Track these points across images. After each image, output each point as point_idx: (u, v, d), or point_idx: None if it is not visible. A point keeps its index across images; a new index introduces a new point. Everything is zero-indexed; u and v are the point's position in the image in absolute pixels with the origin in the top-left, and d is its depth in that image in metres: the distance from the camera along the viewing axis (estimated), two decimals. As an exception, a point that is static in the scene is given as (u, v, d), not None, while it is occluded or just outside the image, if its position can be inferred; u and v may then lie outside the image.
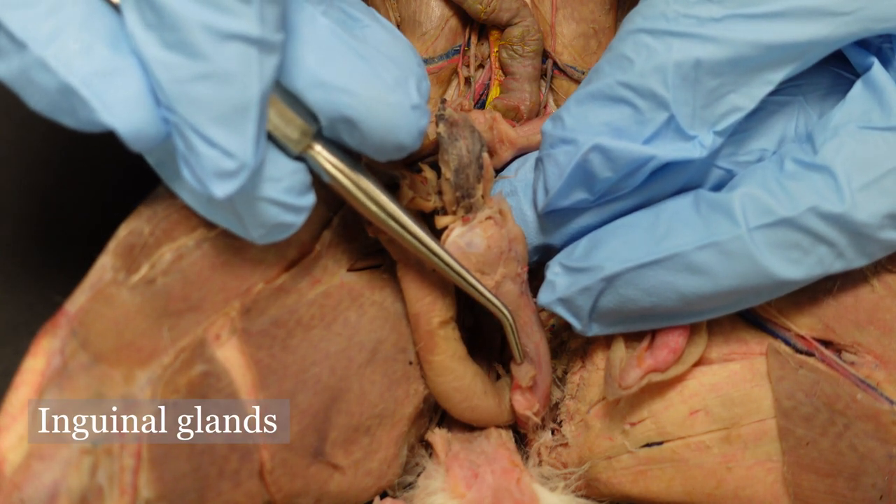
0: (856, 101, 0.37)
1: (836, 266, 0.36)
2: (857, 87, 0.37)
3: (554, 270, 0.39)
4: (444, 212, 0.39)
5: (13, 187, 0.52)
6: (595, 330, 0.39)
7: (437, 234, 0.39)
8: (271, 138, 0.34)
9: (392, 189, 0.38)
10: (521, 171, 0.42)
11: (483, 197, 0.38)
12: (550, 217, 0.40)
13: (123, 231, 0.36)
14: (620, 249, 0.37)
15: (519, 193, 0.41)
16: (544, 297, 0.39)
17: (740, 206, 0.35)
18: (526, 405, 0.41)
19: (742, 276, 0.35)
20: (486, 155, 0.38)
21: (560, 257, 0.39)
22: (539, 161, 0.39)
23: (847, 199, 0.35)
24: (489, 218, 0.38)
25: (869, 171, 0.35)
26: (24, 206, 0.52)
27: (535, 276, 0.41)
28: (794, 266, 0.35)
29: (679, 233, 0.36)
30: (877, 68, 0.37)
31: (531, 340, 0.40)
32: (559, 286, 0.38)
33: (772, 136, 0.38)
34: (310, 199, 0.35)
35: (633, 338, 0.40)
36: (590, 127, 0.37)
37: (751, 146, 0.38)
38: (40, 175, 0.53)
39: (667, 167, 0.37)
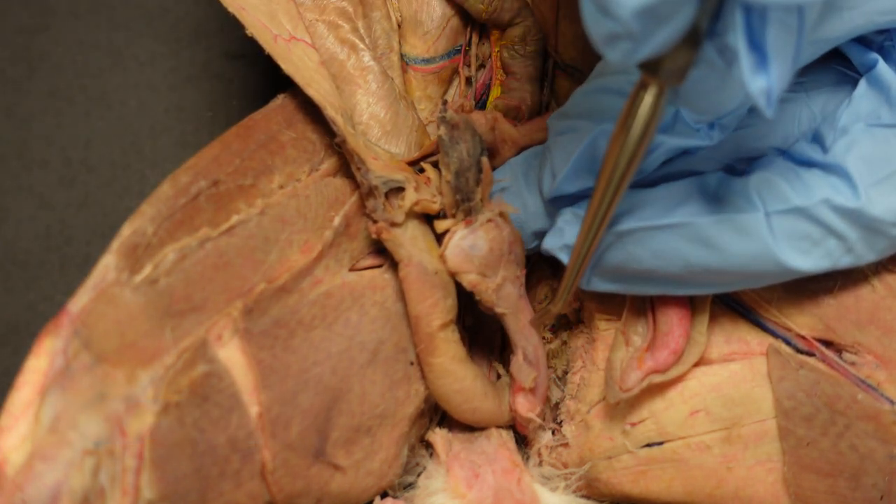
0: (863, 100, 0.37)
1: (844, 261, 0.36)
2: (863, 85, 0.37)
3: (565, 218, 0.38)
4: (444, 215, 0.39)
5: (14, 187, 0.52)
6: (594, 284, 0.39)
7: (437, 237, 0.39)
8: None
9: (398, 191, 0.38)
10: (520, 156, 0.42)
11: (482, 200, 0.38)
12: (556, 204, 0.39)
13: (127, 230, 0.36)
14: (635, 208, 0.37)
15: (519, 178, 0.41)
16: (551, 241, 0.38)
17: (757, 190, 0.35)
18: (529, 407, 0.41)
19: (750, 256, 0.35)
20: (485, 159, 0.38)
21: (573, 207, 0.39)
22: (546, 149, 0.39)
23: (862, 195, 0.35)
24: (490, 220, 0.38)
25: (881, 168, 0.35)
26: (25, 206, 0.52)
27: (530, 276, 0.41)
28: (803, 256, 0.35)
29: (698, 203, 0.36)
30: (882, 66, 0.37)
31: (529, 343, 0.40)
32: (568, 233, 0.38)
33: (775, 134, 0.39)
34: None
35: (633, 336, 0.40)
36: (597, 115, 0.37)
37: (755, 144, 0.38)
38: (41, 175, 0.53)
39: (672, 160, 0.37)
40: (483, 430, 0.42)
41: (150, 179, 0.53)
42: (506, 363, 0.43)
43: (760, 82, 0.28)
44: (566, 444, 0.42)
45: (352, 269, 0.40)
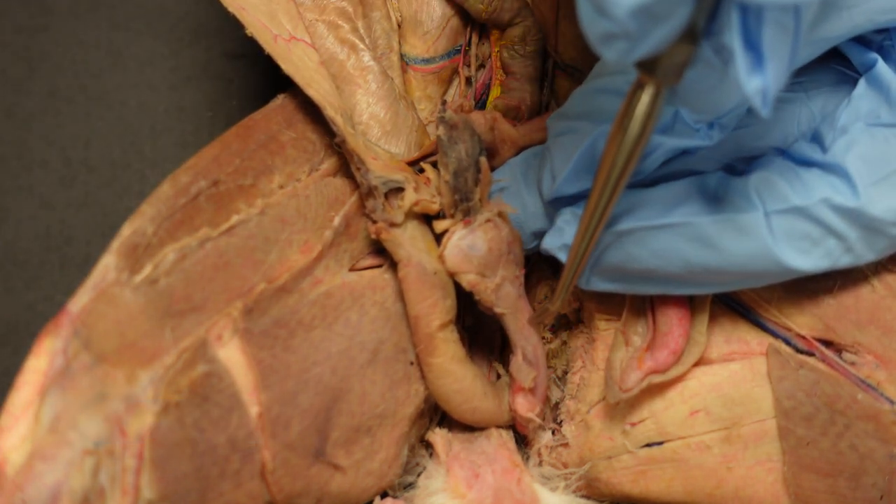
0: (862, 99, 0.37)
1: (844, 261, 0.36)
2: (862, 84, 0.37)
3: (564, 217, 0.38)
4: (443, 215, 0.39)
5: (14, 187, 0.52)
6: (594, 284, 0.39)
7: (437, 237, 0.39)
8: None
9: (398, 191, 0.38)
10: (520, 156, 0.42)
11: (481, 200, 0.38)
12: (556, 204, 0.39)
13: (127, 230, 0.36)
14: (635, 208, 0.37)
15: (518, 179, 0.41)
16: (550, 241, 0.38)
17: (756, 189, 0.35)
18: (528, 407, 0.41)
19: (750, 256, 0.35)
20: (483, 159, 0.38)
21: (572, 206, 0.38)
22: (545, 150, 0.39)
23: (861, 195, 0.35)
24: (489, 220, 0.38)
25: (881, 167, 0.35)
26: (25, 206, 0.52)
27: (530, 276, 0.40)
28: (802, 255, 0.35)
29: (697, 203, 0.36)
30: (881, 65, 0.37)
31: (529, 343, 0.40)
32: (567, 233, 0.38)
33: (775, 134, 0.39)
34: None
35: (633, 336, 0.40)
36: (597, 116, 0.37)
37: (754, 143, 0.38)
38: (41, 175, 0.53)
39: (672, 160, 0.37)
40: (483, 430, 0.42)
41: (150, 179, 0.53)
42: (506, 363, 0.43)
43: (756, 82, 0.28)
44: (566, 444, 0.42)
45: (352, 269, 0.40)
